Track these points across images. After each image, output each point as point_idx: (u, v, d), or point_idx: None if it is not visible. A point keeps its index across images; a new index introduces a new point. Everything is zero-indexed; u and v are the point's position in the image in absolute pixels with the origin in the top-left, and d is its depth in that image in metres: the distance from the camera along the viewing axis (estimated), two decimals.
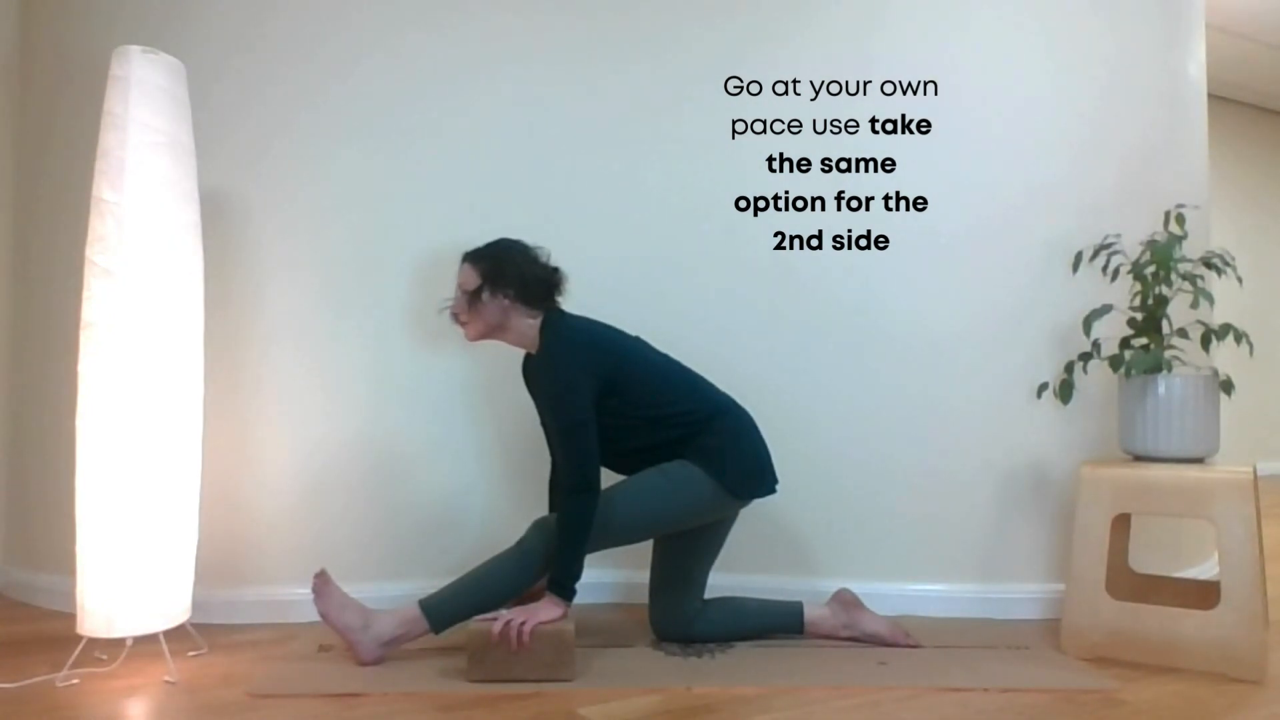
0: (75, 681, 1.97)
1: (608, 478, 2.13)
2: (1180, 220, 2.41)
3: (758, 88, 2.70)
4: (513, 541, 2.15)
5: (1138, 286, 2.35)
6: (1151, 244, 2.29)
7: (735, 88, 2.71)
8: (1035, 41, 2.64)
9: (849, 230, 2.64)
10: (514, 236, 2.30)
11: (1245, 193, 6.55)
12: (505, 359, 2.64)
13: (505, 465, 2.71)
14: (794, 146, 2.68)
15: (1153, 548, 2.72)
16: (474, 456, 2.68)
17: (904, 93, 2.63)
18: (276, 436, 2.53)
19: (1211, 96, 6.04)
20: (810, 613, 2.28)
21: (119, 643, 2.09)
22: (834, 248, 2.65)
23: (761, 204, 2.69)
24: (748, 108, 2.71)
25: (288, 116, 2.56)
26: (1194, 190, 2.88)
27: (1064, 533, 2.58)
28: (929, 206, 2.61)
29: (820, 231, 2.66)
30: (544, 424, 2.36)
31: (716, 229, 2.72)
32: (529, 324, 2.21)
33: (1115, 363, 2.28)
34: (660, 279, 2.75)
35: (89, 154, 2.55)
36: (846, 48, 2.66)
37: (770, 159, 2.69)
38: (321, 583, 2.08)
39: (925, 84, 2.62)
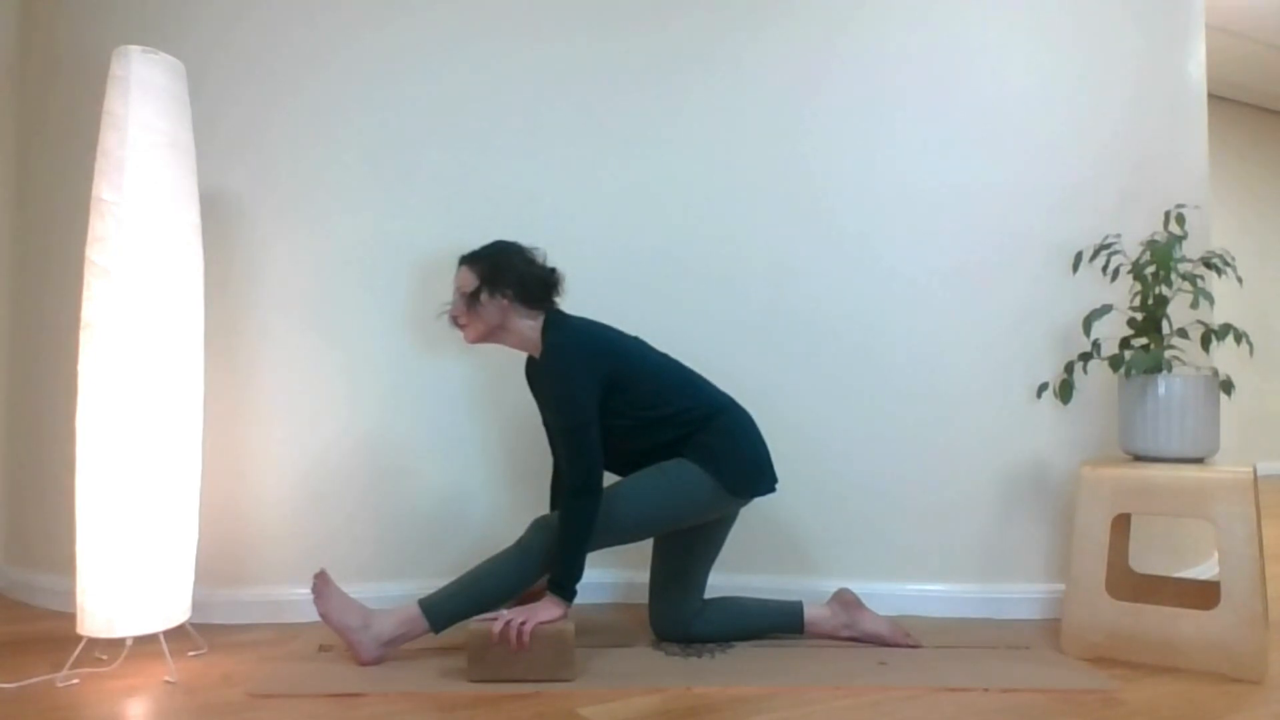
0: (75, 681, 1.97)
1: (607, 479, 2.13)
2: (1180, 220, 2.41)
3: (759, 86, 2.70)
4: (513, 541, 2.15)
5: (1138, 286, 2.35)
6: (1151, 244, 2.29)
7: (737, 86, 2.72)
8: (1035, 42, 2.64)
9: (850, 230, 2.64)
10: (513, 237, 2.31)
11: (1245, 193, 6.55)
12: (506, 360, 2.64)
13: (506, 465, 2.71)
14: (794, 144, 2.68)
15: (1153, 548, 2.72)
16: (474, 456, 2.68)
17: (904, 93, 2.63)
18: (276, 436, 2.53)
19: (1211, 96, 6.06)
20: (810, 612, 2.29)
21: (119, 643, 2.09)
22: (834, 247, 2.65)
23: (763, 203, 2.69)
24: (749, 106, 2.71)
25: (289, 117, 2.56)
26: (1194, 190, 2.88)
27: (1064, 533, 2.58)
28: (929, 207, 2.61)
29: (821, 231, 2.66)
30: (546, 425, 2.36)
31: (717, 228, 2.72)
32: (529, 325, 2.21)
33: (1115, 363, 2.28)
34: (661, 278, 2.75)
35: (89, 154, 2.56)
36: (847, 47, 2.66)
37: (770, 157, 2.69)
38: (321, 583, 2.08)
39: (925, 84, 2.63)
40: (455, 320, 2.24)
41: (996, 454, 2.59)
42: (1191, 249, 2.73)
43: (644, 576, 2.39)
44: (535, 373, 2.32)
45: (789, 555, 2.65)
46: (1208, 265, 2.31)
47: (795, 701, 1.86)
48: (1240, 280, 2.37)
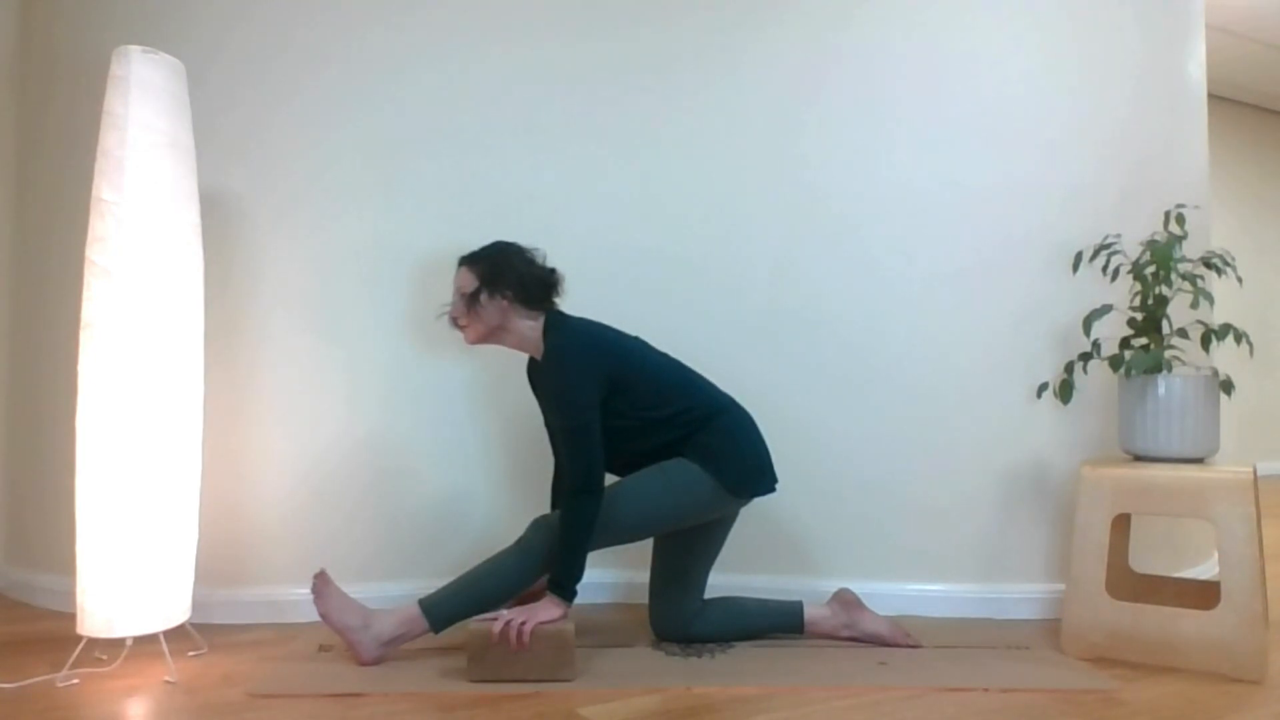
0: (75, 681, 1.97)
1: (607, 479, 2.13)
2: (1180, 220, 2.41)
3: (759, 86, 2.70)
4: (513, 541, 2.15)
5: (1138, 286, 2.35)
6: (1151, 244, 2.29)
7: (737, 86, 2.72)
8: (1035, 43, 2.64)
9: (850, 230, 2.64)
10: (513, 237, 2.31)
11: (1245, 193, 6.55)
12: (506, 361, 2.64)
13: (506, 466, 2.71)
14: (794, 144, 2.68)
15: (1153, 548, 2.72)
16: (475, 457, 2.68)
17: (904, 93, 2.63)
18: (276, 436, 2.53)
19: (1211, 96, 6.06)
20: (810, 612, 2.29)
21: (119, 643, 2.09)
22: (834, 247, 2.65)
23: (763, 203, 2.69)
24: (749, 106, 2.71)
25: (289, 117, 2.56)
26: (1194, 190, 2.88)
27: (1064, 533, 2.58)
28: (929, 207, 2.61)
29: (821, 231, 2.66)
30: (548, 425, 2.36)
31: (717, 228, 2.72)
32: (529, 325, 2.21)
33: (1115, 363, 2.28)
34: (661, 278, 2.75)
35: (89, 154, 2.56)
36: (847, 47, 2.66)
37: (770, 157, 2.69)
38: (321, 583, 2.08)
39: (925, 84, 2.63)
40: (455, 321, 2.24)
41: (996, 454, 2.59)
42: (1191, 249, 2.73)
43: (644, 576, 2.38)
44: (537, 373, 2.32)
45: (789, 555, 2.65)
46: (1208, 265, 2.31)
47: (795, 701, 1.86)
48: (1240, 280, 2.37)
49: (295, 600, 2.47)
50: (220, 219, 2.53)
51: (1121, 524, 2.40)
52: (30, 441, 2.76)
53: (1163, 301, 2.30)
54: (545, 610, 1.99)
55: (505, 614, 1.98)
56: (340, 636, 2.09)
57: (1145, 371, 2.19)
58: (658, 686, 1.95)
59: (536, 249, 2.26)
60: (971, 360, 2.60)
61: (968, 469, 2.59)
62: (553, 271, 2.24)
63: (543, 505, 2.55)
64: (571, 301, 2.42)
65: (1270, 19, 5.23)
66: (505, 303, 2.18)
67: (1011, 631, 2.39)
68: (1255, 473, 2.08)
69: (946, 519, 2.59)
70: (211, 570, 2.45)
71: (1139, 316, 2.34)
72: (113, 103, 2.06)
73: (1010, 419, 2.59)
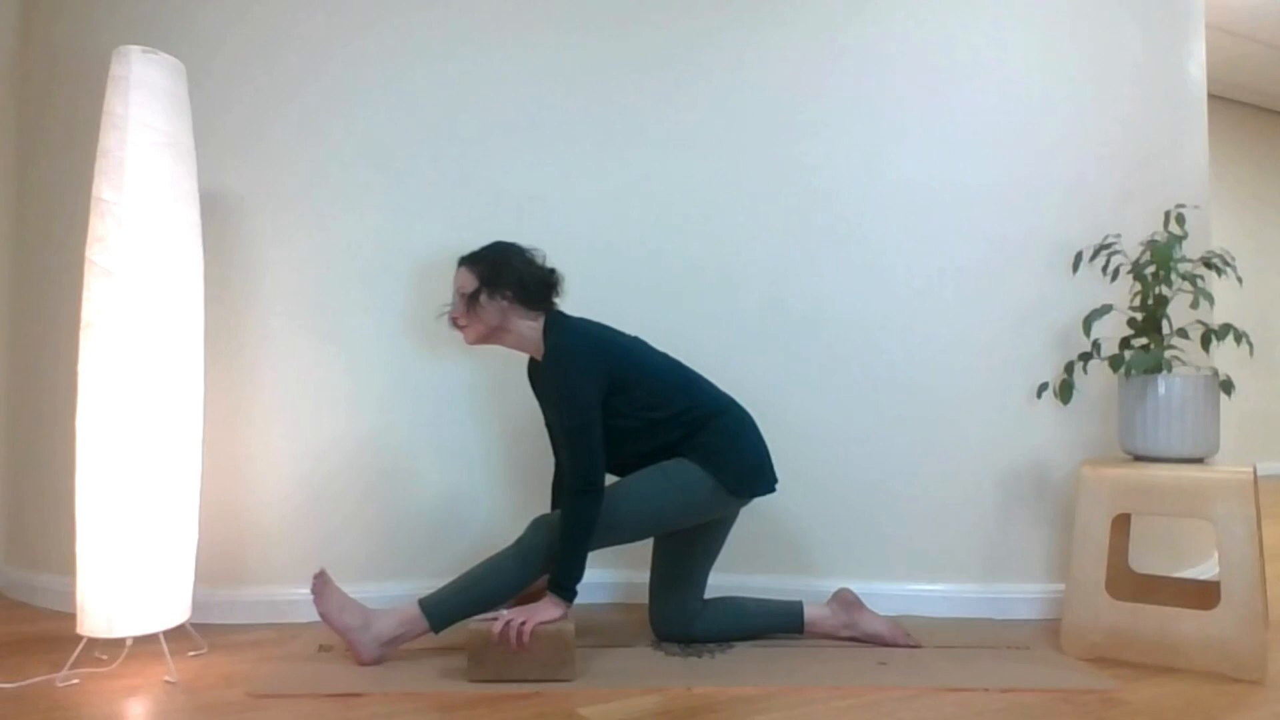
0: (75, 681, 1.97)
1: (608, 479, 2.13)
2: (1180, 220, 2.41)
3: (759, 85, 2.70)
4: (513, 541, 2.15)
5: (1138, 286, 2.35)
6: (1151, 244, 2.29)
7: (737, 85, 2.71)
8: (1035, 42, 2.64)
9: (850, 230, 2.64)
10: (513, 237, 2.32)
11: (1245, 193, 6.55)
12: (506, 361, 2.64)
13: (506, 466, 2.71)
14: (794, 144, 2.68)
15: (1153, 548, 2.72)
16: (475, 457, 2.68)
17: (904, 93, 2.63)
18: (277, 436, 2.53)
19: (1211, 96, 6.05)
20: (810, 612, 2.29)
21: (119, 643, 2.09)
22: (834, 247, 2.65)
23: (763, 203, 2.69)
24: (749, 105, 2.71)
25: (289, 117, 2.56)
26: (1194, 190, 2.88)
27: (1064, 533, 2.58)
28: (929, 207, 2.61)
29: (821, 231, 2.66)
30: (549, 425, 2.36)
31: (717, 227, 2.72)
32: (529, 325, 2.21)
33: (1115, 363, 2.28)
34: (661, 278, 2.75)
35: (89, 154, 2.56)
36: (848, 46, 2.66)
37: (770, 157, 2.69)
38: (321, 583, 2.08)
39: (925, 84, 2.63)
40: (455, 322, 2.24)
41: (996, 454, 2.59)
42: (1191, 249, 2.73)
43: (644, 576, 2.39)
44: (538, 374, 2.32)
45: (789, 555, 2.65)
46: (1208, 265, 2.31)
47: (795, 701, 1.86)
48: (1240, 280, 2.37)
49: (295, 600, 2.47)
50: (220, 219, 2.53)
51: (1121, 524, 2.40)
52: (30, 441, 2.76)
53: (1163, 301, 2.30)
54: (545, 610, 2.00)
55: (505, 614, 1.98)
56: (340, 636, 2.09)
57: (1145, 371, 2.19)
58: (658, 686, 1.95)
59: (536, 249, 2.26)
60: (971, 360, 2.60)
61: (968, 469, 2.59)
62: (553, 271, 2.24)
63: (543, 505, 2.55)
64: (571, 301, 2.42)
65: (1270, 19, 5.23)
66: (505, 303, 2.19)
67: (1011, 631, 2.40)
68: (1255, 473, 2.08)
69: (946, 519, 2.59)
70: (211, 570, 2.45)
71: (1139, 316, 2.34)
72: (113, 103, 2.06)
73: (1010, 419, 2.59)
